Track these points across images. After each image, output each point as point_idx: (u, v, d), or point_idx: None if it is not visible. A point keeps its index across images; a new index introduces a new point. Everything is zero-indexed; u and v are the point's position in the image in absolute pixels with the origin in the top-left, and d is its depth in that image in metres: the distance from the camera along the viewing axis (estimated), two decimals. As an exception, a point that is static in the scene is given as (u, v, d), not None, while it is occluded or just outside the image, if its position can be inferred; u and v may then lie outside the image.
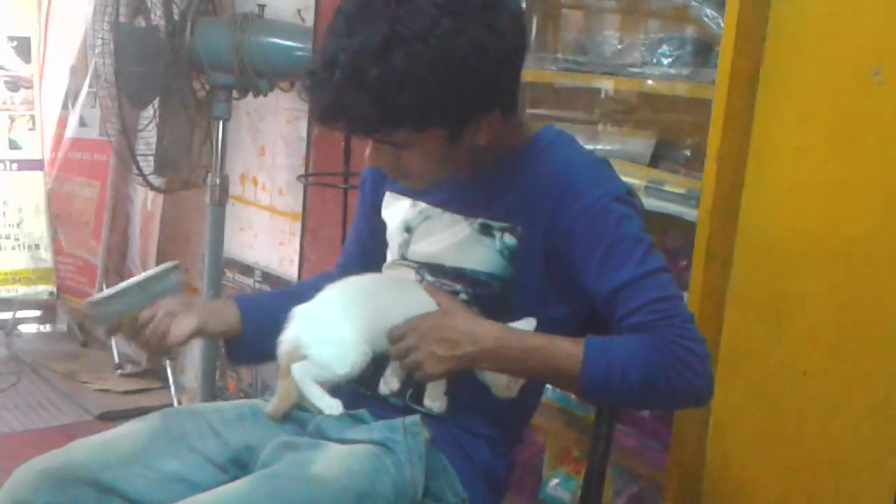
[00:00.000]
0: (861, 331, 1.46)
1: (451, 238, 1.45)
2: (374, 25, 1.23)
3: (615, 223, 1.34)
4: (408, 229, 1.51)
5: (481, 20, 1.25)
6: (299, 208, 2.94)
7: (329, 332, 1.41)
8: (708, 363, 1.31)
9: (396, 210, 1.54)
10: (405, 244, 1.51)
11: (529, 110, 2.21)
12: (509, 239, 1.41)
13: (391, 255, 1.54)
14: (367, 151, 1.38)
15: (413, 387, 1.44)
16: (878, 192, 1.44)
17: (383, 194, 1.57)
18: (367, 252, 1.61)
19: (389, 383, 1.45)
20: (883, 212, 1.43)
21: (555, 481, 2.09)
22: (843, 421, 1.48)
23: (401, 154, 1.35)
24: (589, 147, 2.02)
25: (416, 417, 1.39)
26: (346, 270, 1.59)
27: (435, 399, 1.43)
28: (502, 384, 1.40)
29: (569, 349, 1.33)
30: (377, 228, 1.58)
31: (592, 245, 1.35)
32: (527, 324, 1.37)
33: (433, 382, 1.42)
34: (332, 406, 1.41)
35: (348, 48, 1.24)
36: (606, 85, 2.03)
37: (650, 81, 1.86)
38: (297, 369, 1.41)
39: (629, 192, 1.41)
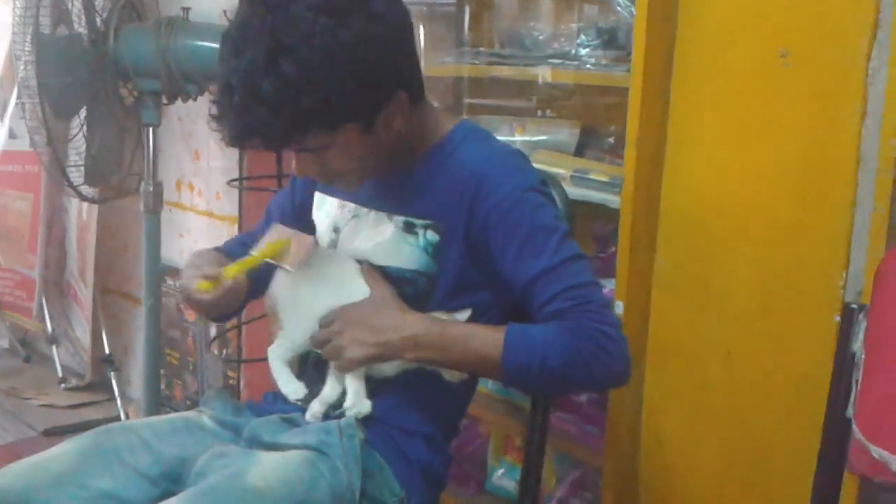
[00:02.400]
0: (783, 310, 1.49)
1: (377, 237, 1.47)
2: (256, 41, 1.24)
3: (530, 213, 1.36)
4: (336, 229, 1.52)
5: (358, 10, 1.27)
6: (237, 212, 2.92)
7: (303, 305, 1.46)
8: (623, 346, 1.34)
9: (326, 211, 1.55)
10: (333, 244, 1.52)
11: (464, 101, 2.22)
12: (432, 235, 1.42)
13: None
14: (294, 164, 1.40)
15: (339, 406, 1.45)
16: (790, 173, 1.47)
17: (312, 194, 1.58)
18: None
19: (313, 408, 1.45)
20: (796, 192, 1.46)
21: (500, 471, 2.11)
22: (768, 398, 1.51)
23: (324, 158, 1.36)
24: (517, 137, 2.06)
25: (351, 419, 1.39)
26: None
27: (355, 403, 1.43)
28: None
29: (490, 338, 1.35)
30: (301, 221, 1.58)
31: (508, 236, 1.36)
32: (461, 316, 1.39)
33: (353, 386, 1.43)
34: (296, 391, 1.45)
35: (238, 69, 1.25)
36: (533, 76, 2.04)
37: (576, 70, 1.88)
38: (271, 351, 1.46)
39: (543, 182, 1.43)
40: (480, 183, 1.38)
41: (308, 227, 1.57)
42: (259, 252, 1.43)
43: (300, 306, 1.46)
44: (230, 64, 1.26)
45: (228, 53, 1.27)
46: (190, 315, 3.18)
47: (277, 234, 1.44)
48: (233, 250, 1.59)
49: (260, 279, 1.50)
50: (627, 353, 1.35)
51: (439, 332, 1.37)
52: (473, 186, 1.38)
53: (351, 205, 1.51)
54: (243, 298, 1.49)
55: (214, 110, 1.32)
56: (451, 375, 1.43)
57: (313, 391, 1.46)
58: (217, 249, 1.63)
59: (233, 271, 1.40)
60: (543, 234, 1.36)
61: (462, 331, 1.38)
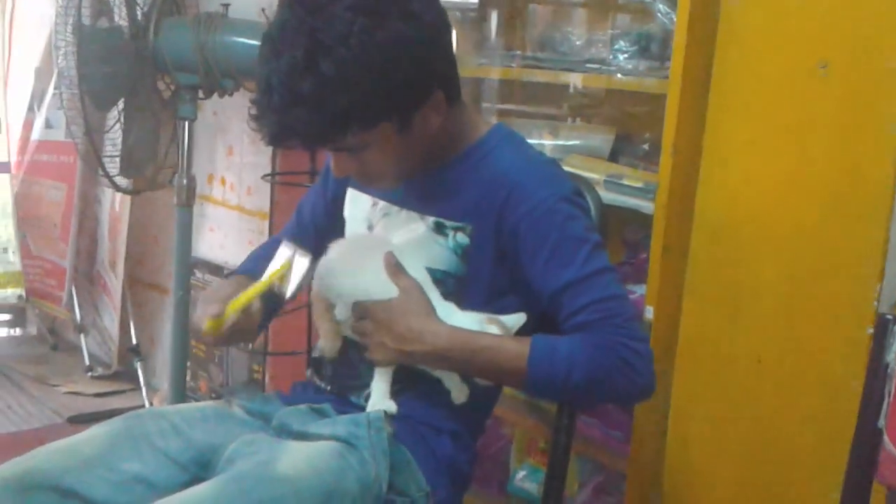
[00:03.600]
0: (813, 317, 1.49)
1: (407, 235, 1.47)
2: (295, 42, 1.26)
3: (560, 223, 1.37)
4: (369, 227, 1.53)
5: (395, 10, 1.28)
6: (267, 207, 2.95)
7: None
8: (649, 360, 1.35)
9: (358, 208, 1.56)
10: None
11: (495, 105, 2.23)
12: (462, 238, 1.43)
13: None
14: (332, 164, 1.42)
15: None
16: (825, 183, 1.47)
17: (345, 190, 1.59)
18: (320, 233, 1.63)
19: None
20: (831, 201, 1.46)
21: (521, 473, 2.11)
22: (796, 405, 1.51)
23: (362, 158, 1.37)
24: (550, 142, 2.07)
25: (380, 412, 1.41)
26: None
27: (377, 403, 1.45)
28: (456, 390, 1.45)
29: (515, 350, 1.36)
30: (333, 216, 1.60)
31: (538, 245, 1.37)
32: (517, 318, 1.39)
33: (379, 387, 1.45)
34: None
35: (277, 70, 1.27)
36: (567, 81, 2.05)
37: (611, 76, 1.89)
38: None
39: (576, 191, 1.43)
40: (512, 190, 1.39)
41: (339, 223, 1.59)
42: (261, 283, 1.44)
43: (344, 295, 1.47)
44: (270, 64, 1.28)
45: (268, 54, 1.29)
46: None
47: (281, 258, 1.45)
48: (252, 268, 1.59)
49: (274, 301, 1.52)
50: (652, 367, 1.35)
51: (462, 345, 1.38)
52: (505, 193, 1.39)
53: (382, 203, 1.52)
54: (259, 323, 1.50)
55: (254, 110, 1.33)
56: (456, 396, 1.45)
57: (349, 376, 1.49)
58: (237, 272, 1.64)
59: (234, 307, 1.42)
60: (573, 244, 1.36)
61: (486, 342, 1.38)
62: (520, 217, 1.38)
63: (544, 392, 1.41)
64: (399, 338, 1.39)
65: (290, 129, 1.30)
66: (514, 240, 1.39)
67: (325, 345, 1.50)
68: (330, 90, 1.26)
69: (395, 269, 1.43)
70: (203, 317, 1.42)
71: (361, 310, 1.43)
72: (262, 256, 1.60)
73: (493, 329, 1.38)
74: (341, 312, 1.47)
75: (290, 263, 1.44)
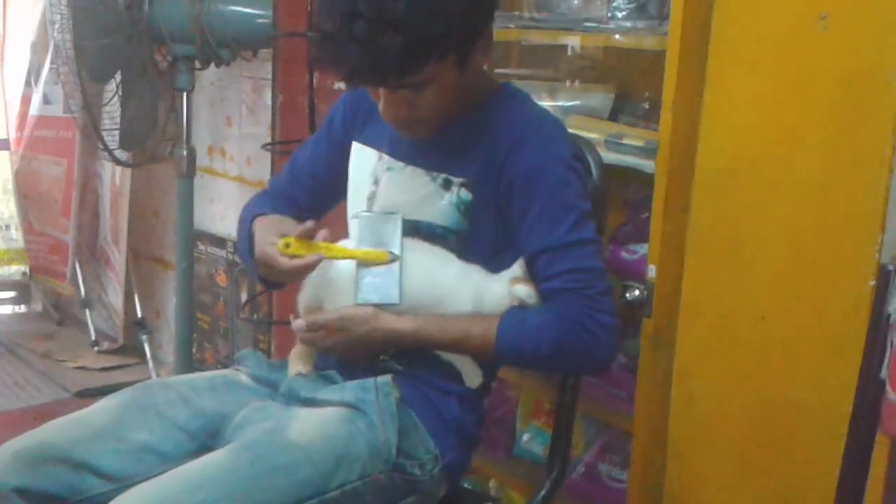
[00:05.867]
0: (817, 272, 1.49)
1: (412, 192, 1.48)
2: None
3: (553, 187, 1.38)
4: (376, 181, 1.52)
5: None
6: (268, 177, 2.94)
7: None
8: (612, 334, 1.38)
9: (364, 162, 1.55)
10: (372, 196, 1.52)
11: (494, 69, 2.21)
12: (465, 194, 1.43)
13: (355, 205, 1.55)
14: (381, 106, 1.39)
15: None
16: (826, 136, 1.46)
17: (350, 142, 1.58)
18: (317, 186, 1.63)
19: None
20: (831, 154, 1.45)
21: (527, 435, 2.12)
22: (801, 359, 1.51)
23: (415, 98, 1.36)
24: (550, 103, 2.05)
25: (387, 377, 1.42)
26: (286, 198, 1.63)
27: None
28: (469, 373, 1.48)
29: (483, 334, 1.40)
30: (335, 167, 1.60)
31: (528, 204, 1.39)
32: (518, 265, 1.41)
33: None
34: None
35: None
36: (565, 41, 2.04)
37: (609, 35, 1.87)
38: None
39: (576, 155, 1.44)
40: (513, 145, 1.39)
41: (340, 177, 1.59)
42: (361, 252, 1.44)
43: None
44: None
45: None
46: (221, 280, 3.22)
47: (370, 242, 1.45)
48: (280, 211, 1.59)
49: None
50: (614, 341, 1.39)
51: (428, 338, 1.43)
52: (506, 148, 1.40)
53: (387, 157, 1.52)
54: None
55: (325, 46, 1.30)
56: (470, 381, 1.48)
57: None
58: (252, 211, 1.62)
59: (332, 253, 1.41)
60: (561, 210, 1.38)
61: (454, 334, 1.42)
62: (516, 173, 1.39)
63: (513, 364, 1.52)
64: (367, 348, 1.46)
65: (373, 61, 1.27)
66: (509, 194, 1.40)
67: (296, 368, 1.50)
68: (422, 13, 1.25)
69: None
70: (275, 239, 1.40)
71: (324, 322, 1.45)
72: (267, 205, 1.60)
73: (519, 288, 1.39)
74: None
75: (385, 255, 1.42)
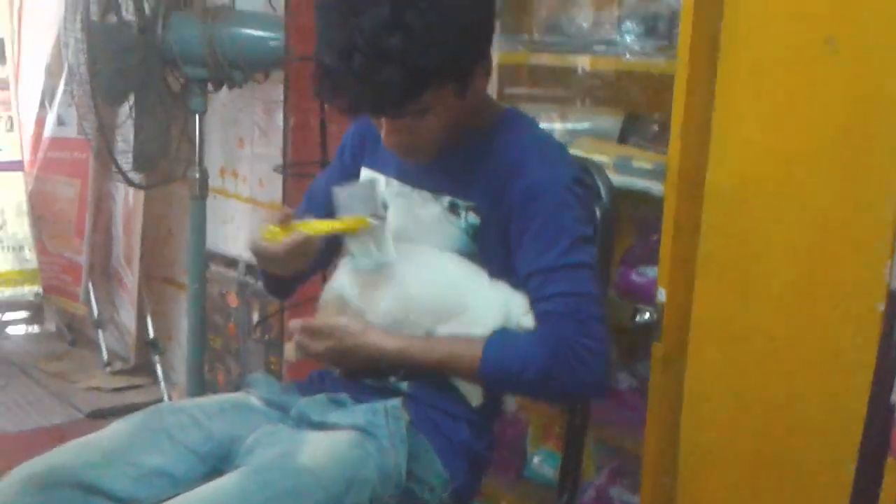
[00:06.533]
0: (825, 295, 1.49)
1: (421, 216, 1.49)
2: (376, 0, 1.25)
3: (551, 209, 1.38)
4: (385, 206, 1.53)
5: None
6: (280, 199, 2.96)
7: None
8: (601, 361, 1.37)
9: None
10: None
11: (505, 90, 2.22)
12: (473, 218, 1.44)
13: None
14: (383, 134, 1.41)
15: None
16: (835, 159, 1.46)
17: (359, 170, 1.59)
18: (331, 215, 1.63)
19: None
20: (841, 178, 1.45)
21: (538, 458, 2.12)
22: (810, 384, 1.51)
23: (417, 125, 1.37)
24: (559, 125, 2.06)
25: (397, 401, 1.42)
26: None
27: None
28: (470, 393, 1.47)
29: (469, 356, 1.40)
30: None
31: (525, 224, 1.39)
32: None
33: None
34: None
35: (361, 28, 1.25)
36: (574, 64, 2.05)
37: (619, 58, 1.88)
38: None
39: (578, 180, 1.43)
40: (512, 169, 1.40)
41: None
42: (340, 222, 1.44)
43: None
44: (349, 24, 1.26)
45: (344, 15, 1.27)
46: (233, 301, 3.23)
47: (354, 211, 1.45)
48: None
49: (327, 255, 1.54)
50: (603, 368, 1.38)
51: (412, 360, 1.44)
52: (507, 171, 1.41)
53: (396, 182, 1.53)
54: (310, 264, 1.50)
55: (326, 80, 1.32)
56: (471, 398, 1.47)
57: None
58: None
59: (306, 227, 1.42)
60: (557, 232, 1.38)
61: (439, 355, 1.42)
62: (516, 194, 1.39)
63: (499, 389, 1.47)
64: (354, 362, 1.46)
65: (371, 93, 1.28)
66: (509, 215, 1.41)
67: (291, 351, 1.51)
68: (419, 46, 1.26)
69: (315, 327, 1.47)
70: (267, 225, 1.42)
71: (319, 329, 1.46)
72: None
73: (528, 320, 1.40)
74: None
75: (367, 221, 1.42)
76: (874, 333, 1.22)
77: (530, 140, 1.45)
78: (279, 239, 1.41)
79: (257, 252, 1.46)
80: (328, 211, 1.63)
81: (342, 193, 1.47)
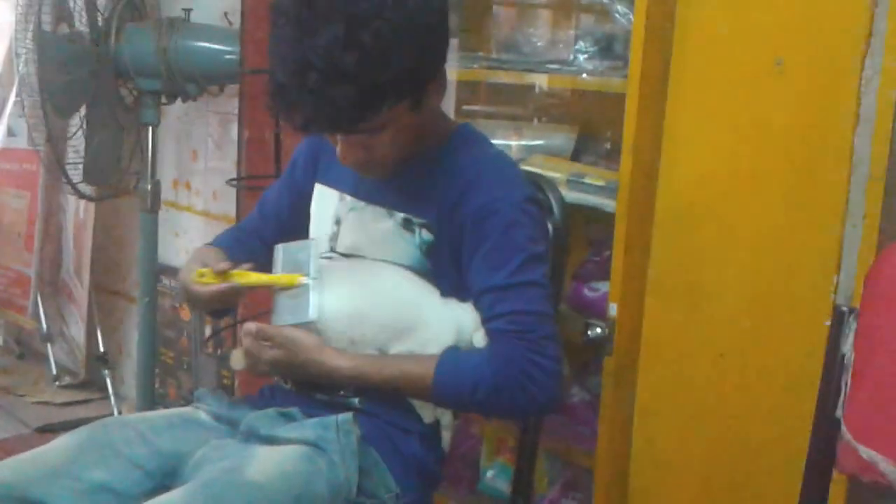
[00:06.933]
0: (775, 313, 1.51)
1: (375, 232, 1.49)
2: (330, 17, 1.25)
3: (503, 228, 1.39)
4: (337, 221, 1.53)
5: None
6: (233, 212, 2.94)
7: None
8: (553, 378, 1.37)
9: (326, 203, 1.56)
10: (334, 236, 1.53)
11: (462, 107, 2.23)
12: (426, 235, 1.44)
13: (318, 245, 1.56)
14: (339, 151, 1.41)
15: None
16: (782, 179, 1.49)
17: (312, 185, 1.59)
18: (282, 227, 1.64)
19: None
20: (789, 197, 1.48)
21: (492, 472, 2.12)
22: (759, 399, 1.53)
23: (372, 141, 1.37)
24: (515, 142, 2.08)
25: (348, 415, 1.41)
26: (255, 235, 1.66)
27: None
28: (425, 410, 1.47)
29: (421, 374, 1.40)
30: (297, 210, 1.61)
31: (477, 243, 1.39)
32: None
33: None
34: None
35: (316, 46, 1.26)
36: (531, 81, 2.06)
37: (573, 77, 1.90)
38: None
39: (530, 198, 1.44)
40: (466, 187, 1.41)
41: (304, 218, 1.60)
42: (273, 277, 1.46)
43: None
44: (302, 42, 1.26)
45: (298, 33, 1.27)
46: (185, 315, 3.20)
47: (288, 266, 1.47)
48: (228, 247, 1.61)
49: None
50: (557, 385, 1.39)
51: (365, 380, 1.43)
52: (459, 190, 1.41)
53: (349, 198, 1.53)
54: (239, 301, 1.53)
55: (280, 96, 1.32)
56: (425, 414, 1.47)
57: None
58: (213, 245, 1.64)
59: (241, 278, 1.45)
60: (509, 251, 1.38)
61: (390, 373, 1.42)
62: (467, 213, 1.40)
63: (451, 406, 1.47)
64: (306, 375, 1.45)
65: (329, 108, 1.28)
66: (461, 235, 1.41)
67: (238, 359, 1.50)
68: (373, 63, 1.26)
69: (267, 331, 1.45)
70: (198, 268, 1.44)
71: (271, 337, 1.44)
72: (233, 239, 1.65)
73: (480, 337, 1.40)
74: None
75: (303, 281, 1.44)
76: (820, 350, 1.24)
77: (483, 159, 1.46)
78: (208, 283, 1.45)
79: (184, 291, 1.50)
80: (280, 228, 1.63)
81: (280, 250, 1.50)
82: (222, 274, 1.44)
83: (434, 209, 1.43)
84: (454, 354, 1.40)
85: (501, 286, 1.38)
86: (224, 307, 1.52)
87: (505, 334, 1.37)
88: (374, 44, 1.26)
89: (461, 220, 1.40)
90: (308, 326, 1.43)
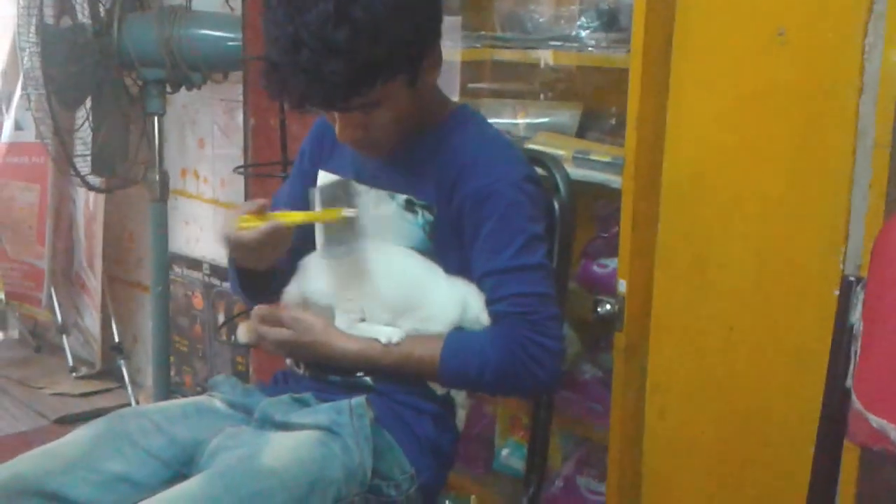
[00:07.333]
0: (783, 285, 1.51)
1: (377, 215, 1.49)
2: None
3: (503, 208, 1.39)
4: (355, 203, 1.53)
5: None
6: (242, 199, 2.94)
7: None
8: (556, 358, 1.40)
9: None
10: None
11: (467, 85, 2.23)
12: (428, 215, 1.45)
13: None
14: (337, 129, 1.42)
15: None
16: (788, 149, 1.48)
17: (317, 173, 1.59)
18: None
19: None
20: (795, 168, 1.48)
21: (506, 451, 2.13)
22: (769, 371, 1.53)
23: (369, 119, 1.38)
24: (519, 120, 2.07)
25: (362, 399, 1.41)
26: None
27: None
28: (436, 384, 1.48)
29: (427, 356, 1.42)
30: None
31: (478, 225, 1.40)
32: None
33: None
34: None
35: (307, 23, 1.26)
36: (533, 59, 2.06)
37: (576, 52, 1.89)
38: (341, 321, 1.47)
39: (528, 177, 1.44)
40: (463, 169, 1.41)
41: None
42: (315, 213, 1.46)
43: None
44: (294, 20, 1.27)
45: (289, 11, 1.28)
46: (198, 303, 3.21)
47: (326, 204, 1.46)
48: None
49: (298, 251, 1.52)
50: (559, 365, 1.41)
51: (372, 363, 1.45)
52: (456, 171, 1.42)
53: (352, 182, 1.53)
54: (280, 262, 1.50)
55: (273, 74, 1.33)
56: (434, 385, 1.48)
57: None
58: None
59: (281, 217, 1.42)
60: (509, 233, 1.39)
61: (396, 358, 1.44)
62: (466, 194, 1.40)
63: (458, 387, 1.48)
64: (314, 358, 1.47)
65: (321, 85, 1.29)
66: (460, 216, 1.42)
67: (245, 332, 1.52)
68: (365, 39, 1.27)
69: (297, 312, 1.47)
70: (240, 213, 1.41)
71: (283, 319, 1.47)
72: None
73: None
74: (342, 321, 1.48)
75: (342, 213, 1.43)
76: (829, 320, 1.24)
77: (479, 140, 1.46)
78: (255, 226, 1.41)
79: (231, 241, 1.43)
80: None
81: (318, 192, 1.49)
82: (264, 214, 1.42)
83: (433, 190, 1.44)
84: (459, 338, 1.42)
85: (503, 269, 1.39)
86: (272, 255, 1.47)
87: (508, 317, 1.39)
88: (365, 19, 1.26)
89: (460, 201, 1.41)
90: (356, 254, 1.44)
